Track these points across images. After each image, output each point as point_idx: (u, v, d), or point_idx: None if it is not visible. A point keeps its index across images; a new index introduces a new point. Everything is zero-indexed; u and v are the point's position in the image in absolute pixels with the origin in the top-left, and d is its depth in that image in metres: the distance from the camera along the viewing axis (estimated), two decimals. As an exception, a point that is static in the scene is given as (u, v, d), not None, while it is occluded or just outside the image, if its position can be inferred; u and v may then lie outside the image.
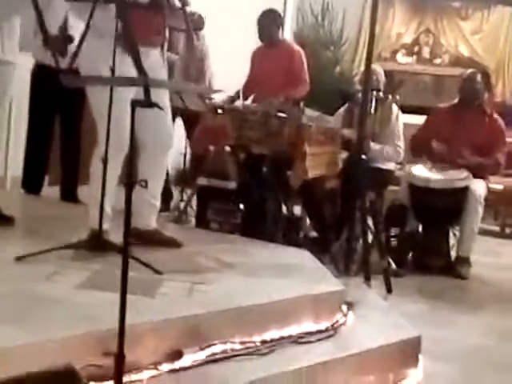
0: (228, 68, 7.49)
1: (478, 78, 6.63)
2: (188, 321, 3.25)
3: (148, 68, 3.65)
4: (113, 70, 3.87)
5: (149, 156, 4.47)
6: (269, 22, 6.74)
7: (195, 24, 6.36)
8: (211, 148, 6.39)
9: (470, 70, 6.85)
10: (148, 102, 2.54)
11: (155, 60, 4.32)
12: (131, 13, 3.97)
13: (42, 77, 6.16)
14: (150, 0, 4.10)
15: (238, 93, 6.80)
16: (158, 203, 4.60)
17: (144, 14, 4.12)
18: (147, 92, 2.55)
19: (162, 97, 4.21)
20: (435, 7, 11.05)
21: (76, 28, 6.15)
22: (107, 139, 4.00)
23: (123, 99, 3.78)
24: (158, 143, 4.44)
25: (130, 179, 2.46)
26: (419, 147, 6.68)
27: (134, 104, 2.50)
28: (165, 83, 3.79)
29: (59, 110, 6.34)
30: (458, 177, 6.24)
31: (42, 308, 3.14)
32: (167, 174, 7.48)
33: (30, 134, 6.42)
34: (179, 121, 7.24)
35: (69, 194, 6.38)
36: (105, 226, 4.15)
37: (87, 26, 3.82)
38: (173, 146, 4.56)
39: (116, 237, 3.80)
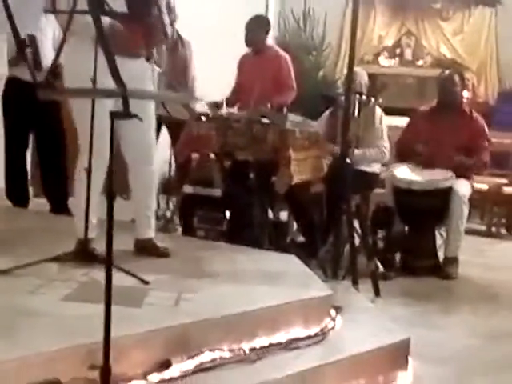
0: (213, 75, 7.48)
1: (455, 78, 6.64)
2: (175, 330, 3.24)
3: (131, 78, 3.65)
4: (94, 81, 3.85)
5: (133, 167, 4.48)
6: (256, 27, 6.74)
7: None
8: (196, 156, 6.39)
9: (446, 72, 6.85)
10: (127, 114, 2.52)
11: (140, 70, 4.29)
12: (114, 23, 3.99)
13: (15, 88, 6.14)
14: (132, 10, 4.08)
15: (224, 100, 6.80)
16: (151, 213, 4.60)
17: (128, 24, 4.12)
18: (126, 103, 2.53)
19: (145, 107, 4.20)
20: (416, 9, 11.07)
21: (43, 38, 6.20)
22: (90, 149, 4.00)
23: (105, 109, 3.80)
24: (140, 154, 4.43)
25: (111, 191, 2.45)
26: (404, 151, 6.68)
27: (114, 115, 2.49)
28: (144, 94, 3.76)
29: (33, 122, 6.33)
30: (441, 177, 6.25)
31: (27, 321, 3.12)
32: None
33: (6, 146, 6.42)
34: (164, 129, 7.22)
35: (59, 207, 6.37)
36: (91, 235, 4.16)
37: (63, 39, 3.80)
38: (154, 156, 4.54)
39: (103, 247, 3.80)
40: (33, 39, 6.06)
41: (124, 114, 2.53)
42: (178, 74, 7.14)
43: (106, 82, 3.76)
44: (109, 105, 3.91)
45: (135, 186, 4.54)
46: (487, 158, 6.52)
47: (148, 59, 4.39)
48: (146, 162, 4.47)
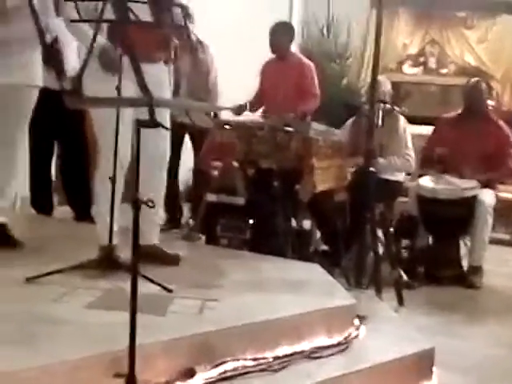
0: (236, 80, 7.48)
1: (482, 86, 6.63)
2: (199, 339, 3.24)
3: (150, 84, 3.65)
4: (119, 90, 3.87)
5: (145, 173, 4.48)
6: (281, 33, 6.74)
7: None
8: (219, 164, 6.39)
9: (473, 79, 6.83)
10: (153, 122, 2.52)
11: (158, 75, 4.29)
12: (130, 28, 4.00)
13: (41, 97, 6.18)
14: (155, 18, 4.09)
15: (247, 103, 6.80)
16: (158, 218, 4.61)
17: (145, 30, 4.13)
18: (152, 112, 2.53)
19: (160, 113, 4.22)
20: (440, 17, 11.04)
21: (67, 44, 6.24)
22: (114, 156, 4.02)
23: (123, 117, 3.85)
24: (153, 160, 4.43)
25: (137, 199, 2.46)
26: (429, 159, 6.66)
27: (139, 124, 2.49)
28: (169, 103, 3.77)
29: (58, 132, 6.37)
30: (465, 186, 6.22)
31: (51, 329, 3.13)
32: (178, 190, 7.54)
33: (31, 155, 6.45)
34: (187, 137, 7.24)
35: (82, 214, 6.39)
36: (114, 241, 4.17)
37: (91, 49, 3.80)
38: (166, 163, 4.55)
39: (124, 254, 3.82)
40: (57, 47, 6.10)
41: (150, 122, 2.53)
42: (199, 80, 7.16)
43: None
44: (129, 113, 3.95)
45: (143, 190, 4.49)
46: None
47: (166, 62, 4.39)
48: (158, 168, 4.47)
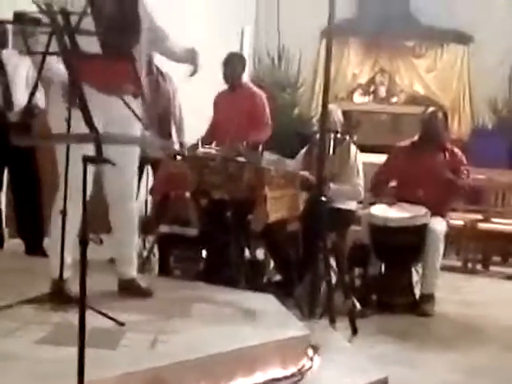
0: (191, 112, 7.47)
1: (439, 116, 6.72)
2: (152, 373, 3.21)
3: (114, 119, 3.67)
4: (68, 126, 3.86)
5: (114, 204, 4.49)
6: (234, 63, 6.77)
7: None
8: (172, 194, 6.37)
9: (430, 109, 6.92)
10: (100, 159, 2.51)
11: (124, 110, 4.27)
12: (93, 61, 4.00)
13: None
14: (105, 50, 4.08)
15: (199, 140, 6.80)
16: (133, 251, 4.62)
17: (108, 63, 4.12)
18: (99, 149, 2.52)
19: (128, 148, 4.25)
20: (389, 47, 11.19)
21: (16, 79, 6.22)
22: (65, 191, 4.01)
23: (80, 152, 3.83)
24: (121, 191, 4.44)
25: (85, 236, 2.45)
26: (380, 187, 6.72)
27: (86, 160, 2.48)
28: (117, 138, 3.75)
29: (7, 162, 6.31)
30: (416, 214, 6.27)
31: (2, 365, 3.08)
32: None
33: None
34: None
35: (34, 248, 6.34)
36: (65, 275, 4.15)
37: (37, 82, 3.80)
38: (134, 193, 4.57)
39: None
40: (2, 79, 6.09)
41: (97, 159, 2.52)
42: (160, 111, 7.13)
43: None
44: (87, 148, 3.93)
45: (116, 224, 4.56)
46: (469, 181, 6.62)
47: (135, 96, 4.39)
48: (126, 198, 4.49)
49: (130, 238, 4.59)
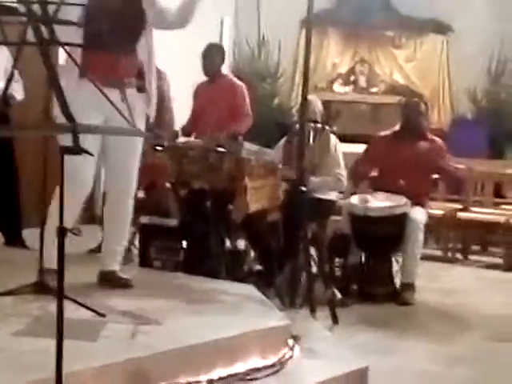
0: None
1: (419, 105, 6.75)
2: (132, 363, 3.20)
3: (116, 113, 3.66)
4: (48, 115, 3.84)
5: (114, 201, 4.48)
6: (213, 54, 6.75)
7: None
8: (152, 185, 6.35)
9: (410, 98, 6.94)
10: (76, 149, 2.49)
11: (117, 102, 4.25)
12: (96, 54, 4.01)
13: None
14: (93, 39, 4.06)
15: (179, 129, 6.77)
16: (120, 247, 4.61)
17: (112, 57, 4.13)
18: (76, 138, 2.50)
19: (132, 140, 4.24)
20: (369, 37, 11.19)
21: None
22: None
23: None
24: (122, 186, 4.44)
25: (62, 227, 2.44)
26: (359, 176, 6.74)
27: (63, 151, 2.47)
28: (94, 128, 3.73)
29: None
30: (396, 203, 6.29)
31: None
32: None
33: None
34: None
35: (13, 239, 6.31)
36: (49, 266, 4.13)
37: (12, 72, 3.78)
38: (133, 190, 4.55)
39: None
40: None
41: (74, 149, 2.50)
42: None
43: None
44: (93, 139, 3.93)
45: (109, 217, 4.56)
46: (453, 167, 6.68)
47: (140, 90, 4.38)
48: (126, 193, 4.48)
49: (121, 233, 4.58)
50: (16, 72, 5.96)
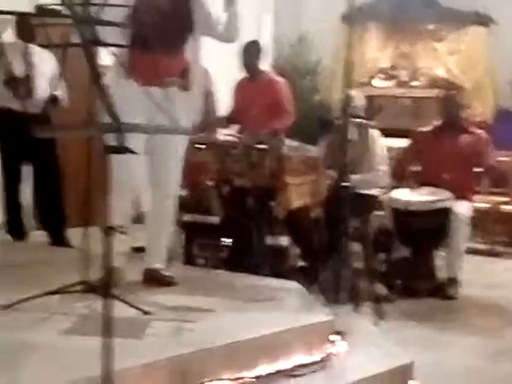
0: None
1: (458, 98, 6.69)
2: (176, 361, 3.22)
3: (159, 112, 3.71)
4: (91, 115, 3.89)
5: (154, 202, 4.52)
6: (249, 52, 6.76)
7: None
8: (193, 183, 6.38)
9: (448, 92, 6.88)
10: (121, 148, 2.51)
11: (168, 101, 4.28)
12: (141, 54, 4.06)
13: (9, 120, 6.17)
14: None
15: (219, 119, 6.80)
16: (163, 246, 4.64)
17: (158, 56, 4.17)
18: (120, 138, 2.52)
19: (171, 142, 4.27)
20: (410, 30, 11.11)
21: (39, 67, 6.25)
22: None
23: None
24: (165, 187, 4.48)
25: (107, 225, 2.46)
26: (402, 171, 6.70)
27: (107, 150, 2.49)
28: (139, 127, 3.76)
29: (28, 155, 6.33)
30: (439, 198, 6.25)
31: (28, 356, 3.11)
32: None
33: (3, 181, 6.44)
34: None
35: (58, 239, 6.38)
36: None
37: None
38: (177, 189, 4.59)
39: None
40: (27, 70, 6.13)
41: (119, 148, 2.52)
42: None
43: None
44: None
45: (152, 217, 4.59)
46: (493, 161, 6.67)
47: (185, 89, 4.41)
48: (168, 195, 4.52)
49: (164, 231, 4.61)
50: (60, 73, 6.06)
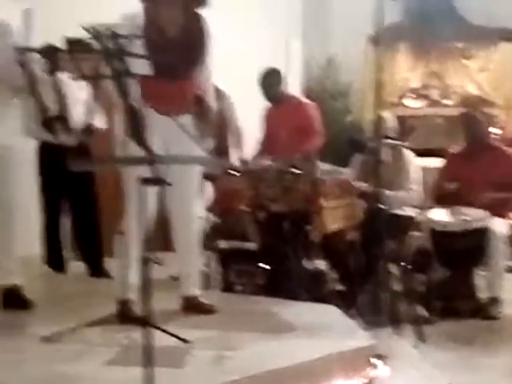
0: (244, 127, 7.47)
1: (477, 117, 6.63)
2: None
3: (174, 140, 3.72)
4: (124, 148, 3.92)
5: (177, 226, 4.54)
6: (268, 82, 6.77)
7: None
8: (227, 210, 6.39)
9: (465, 112, 6.83)
10: (156, 179, 2.54)
11: (178, 130, 4.30)
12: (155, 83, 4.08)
13: (47, 154, 6.24)
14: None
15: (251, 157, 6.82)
16: (194, 270, 4.66)
17: (170, 85, 4.20)
18: (155, 170, 2.55)
19: (183, 169, 4.29)
20: (439, 49, 11.09)
21: (73, 101, 6.31)
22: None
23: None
24: (184, 213, 4.50)
25: (146, 256, 2.48)
26: (441, 193, 6.65)
27: (144, 182, 2.51)
28: (173, 159, 3.79)
29: (66, 187, 6.38)
30: (475, 217, 6.20)
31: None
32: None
33: (43, 212, 6.49)
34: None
35: (96, 270, 6.42)
36: (131, 297, 4.20)
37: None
38: (195, 213, 4.61)
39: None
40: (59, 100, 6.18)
41: (153, 180, 2.54)
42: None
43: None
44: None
45: (177, 243, 4.61)
46: None
47: (198, 117, 4.43)
48: (188, 220, 4.53)
49: (191, 257, 4.63)
50: (95, 103, 6.11)
